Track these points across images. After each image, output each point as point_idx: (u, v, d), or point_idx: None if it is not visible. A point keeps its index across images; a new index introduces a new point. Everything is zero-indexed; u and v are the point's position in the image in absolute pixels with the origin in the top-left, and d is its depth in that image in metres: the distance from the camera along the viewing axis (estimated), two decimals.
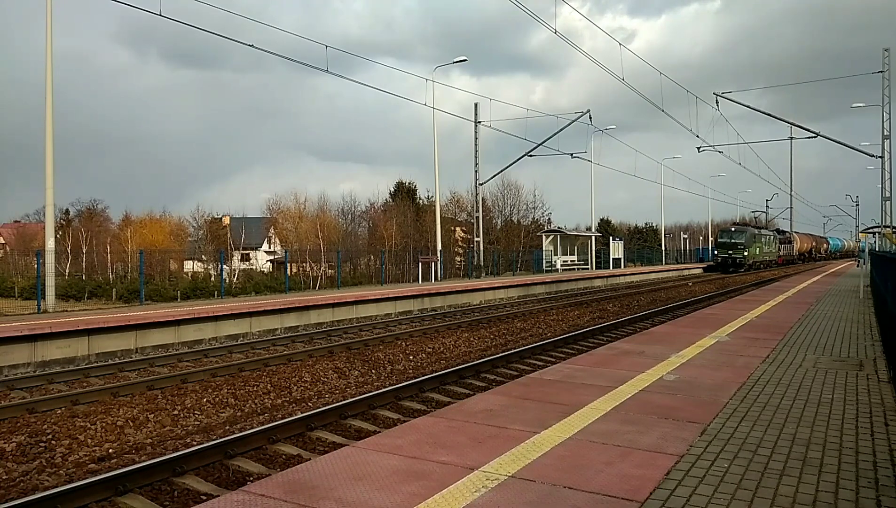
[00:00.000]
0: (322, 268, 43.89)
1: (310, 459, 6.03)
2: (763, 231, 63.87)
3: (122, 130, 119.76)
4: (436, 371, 11.17)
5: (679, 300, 25.38)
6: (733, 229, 58.99)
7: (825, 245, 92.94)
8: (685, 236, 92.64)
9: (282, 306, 17.02)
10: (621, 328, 17.33)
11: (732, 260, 54.75)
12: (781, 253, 68.23)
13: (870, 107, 33.85)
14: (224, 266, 35.89)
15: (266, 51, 18.04)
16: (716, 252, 57.45)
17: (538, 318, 18.24)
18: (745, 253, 55.28)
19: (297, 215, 56.07)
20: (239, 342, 14.60)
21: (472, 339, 14.41)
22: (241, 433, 7.40)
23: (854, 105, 35.59)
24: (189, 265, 51.53)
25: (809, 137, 31.59)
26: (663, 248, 76.72)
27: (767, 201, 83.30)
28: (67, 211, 63.59)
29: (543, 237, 46.43)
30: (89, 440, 7.19)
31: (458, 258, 50.79)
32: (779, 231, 72.37)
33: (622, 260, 53.76)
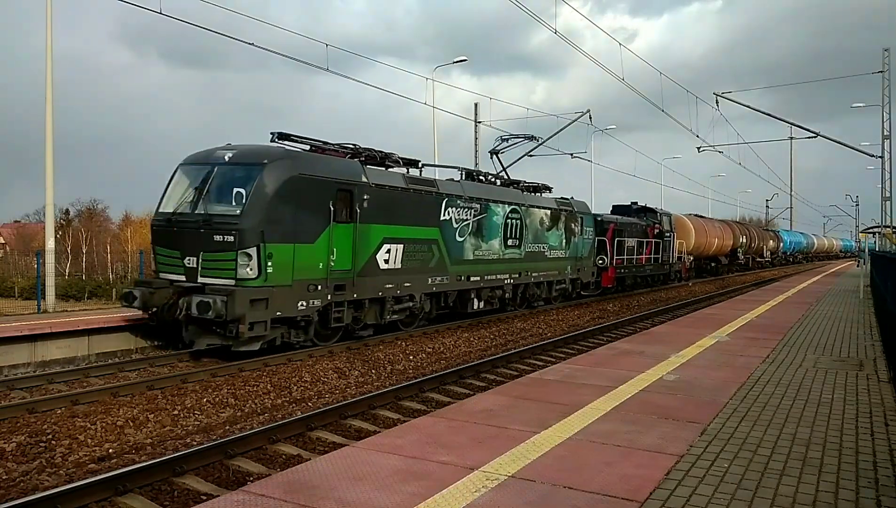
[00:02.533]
0: None
1: (310, 459, 6.03)
2: (478, 187, 17.33)
3: (122, 130, 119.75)
4: (436, 371, 11.18)
5: (679, 300, 25.38)
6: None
7: (771, 242, 56.97)
8: None
9: None
10: (621, 327, 17.33)
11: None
12: (618, 260, 25.78)
13: (870, 107, 33.84)
14: None
15: (266, 49, 17.87)
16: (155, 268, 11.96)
17: (538, 318, 18.24)
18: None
19: None
20: None
21: (472, 339, 14.41)
22: (241, 434, 7.41)
23: (854, 105, 35.59)
24: None
25: (809, 137, 31.53)
26: None
27: (767, 201, 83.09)
28: (67, 211, 63.54)
29: None
30: (89, 440, 7.18)
31: None
32: (629, 209, 30.31)
33: None
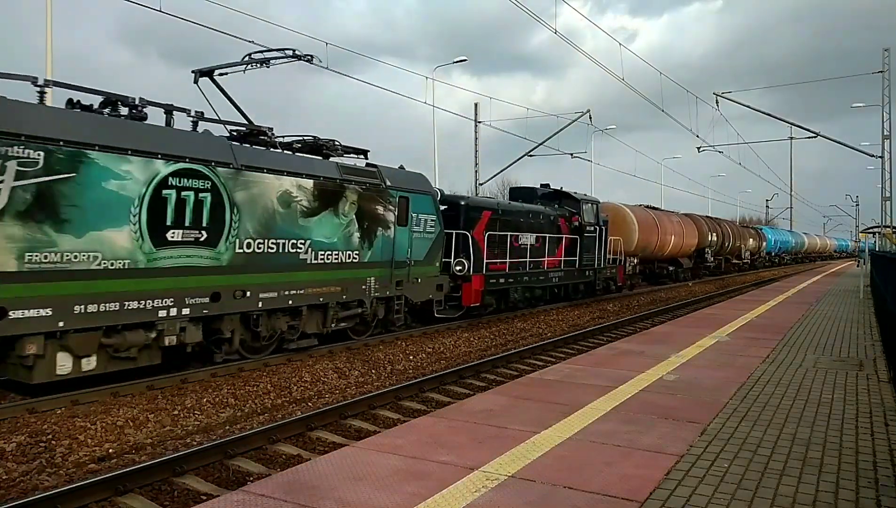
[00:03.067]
0: None
1: (310, 459, 6.04)
2: None
3: None
4: (436, 371, 11.18)
5: (679, 300, 25.38)
6: None
7: (752, 241, 47.99)
8: None
9: None
10: (621, 328, 17.33)
11: None
12: (496, 265, 17.03)
13: (870, 107, 33.86)
14: None
15: (266, 47, 17.88)
16: None
17: (538, 318, 18.23)
18: None
19: None
20: None
21: (472, 339, 14.41)
22: (241, 434, 7.41)
23: (854, 105, 35.61)
24: None
25: (809, 137, 31.57)
26: None
27: (767, 201, 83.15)
28: None
29: None
30: (89, 441, 7.19)
31: None
32: (531, 194, 21.95)
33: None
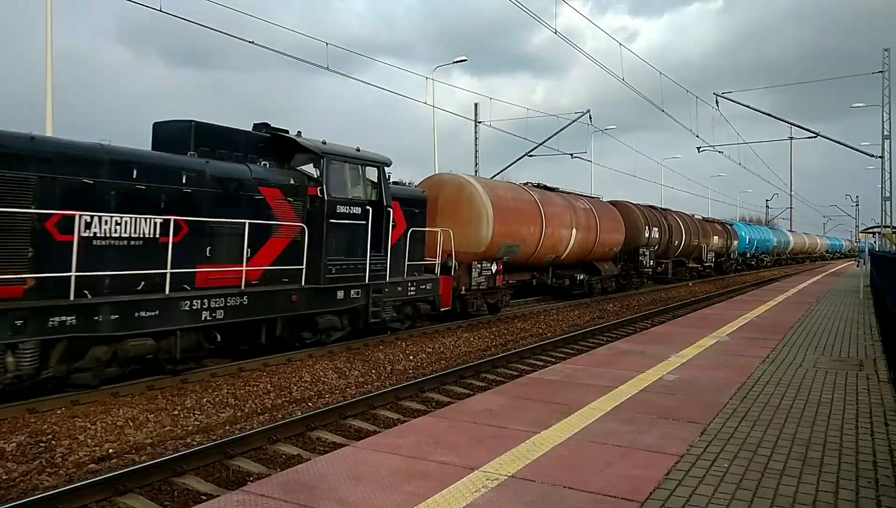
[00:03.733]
0: None
1: (310, 459, 6.04)
2: None
3: (122, 130, 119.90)
4: (436, 371, 11.18)
5: (679, 300, 25.37)
6: None
7: (717, 239, 38.59)
8: None
9: None
10: (621, 328, 17.33)
11: None
12: None
13: (870, 107, 33.86)
14: None
15: (266, 48, 17.91)
16: None
17: (538, 318, 18.22)
18: None
19: None
20: None
21: (472, 339, 14.40)
22: (241, 434, 7.41)
23: (854, 105, 35.62)
24: None
25: (809, 137, 31.58)
26: None
27: (767, 201, 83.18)
28: None
29: None
30: (89, 441, 7.18)
31: None
32: (206, 135, 9.85)
33: None
